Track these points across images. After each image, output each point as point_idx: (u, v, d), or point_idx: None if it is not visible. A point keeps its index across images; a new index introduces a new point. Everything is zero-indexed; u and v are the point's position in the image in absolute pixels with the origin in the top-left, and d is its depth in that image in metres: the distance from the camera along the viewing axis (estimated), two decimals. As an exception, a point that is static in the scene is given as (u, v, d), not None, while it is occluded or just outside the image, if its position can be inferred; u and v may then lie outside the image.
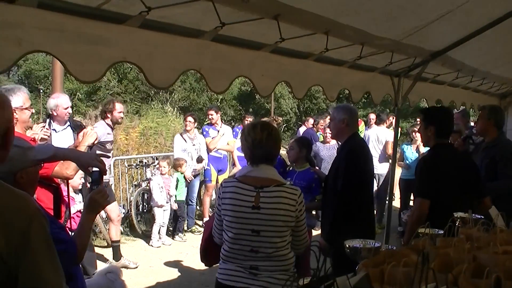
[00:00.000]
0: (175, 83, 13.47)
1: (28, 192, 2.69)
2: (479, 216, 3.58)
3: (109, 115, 7.71)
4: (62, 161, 4.16)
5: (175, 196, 9.85)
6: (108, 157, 7.24)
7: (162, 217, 9.56)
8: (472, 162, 5.04)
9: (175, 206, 9.76)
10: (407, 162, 9.91)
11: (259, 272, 3.35)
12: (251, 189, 3.38)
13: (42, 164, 3.11)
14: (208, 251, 3.88)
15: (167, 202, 9.59)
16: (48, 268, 2.00)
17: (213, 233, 3.67)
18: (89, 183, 3.54)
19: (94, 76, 3.05)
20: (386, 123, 11.75)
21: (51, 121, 6.64)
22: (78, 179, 6.55)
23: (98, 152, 5.43)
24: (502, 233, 3.02)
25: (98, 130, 7.28)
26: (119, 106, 7.79)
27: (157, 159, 10.51)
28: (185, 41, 3.56)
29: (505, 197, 5.31)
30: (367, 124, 12.72)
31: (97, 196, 3.13)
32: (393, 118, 11.94)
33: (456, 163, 4.54)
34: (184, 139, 10.28)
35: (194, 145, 10.36)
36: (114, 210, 8.01)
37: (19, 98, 4.73)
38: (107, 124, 7.78)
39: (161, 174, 9.63)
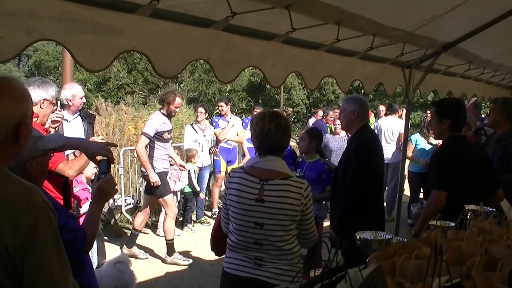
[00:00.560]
0: (184, 74, 13.59)
1: (37, 182, 2.75)
2: (491, 209, 3.56)
3: (165, 106, 7.68)
4: (67, 160, 4.18)
5: (184, 187, 9.87)
6: (116, 145, 7.26)
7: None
8: (485, 154, 5.01)
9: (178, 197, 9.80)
10: (417, 154, 9.74)
11: (264, 263, 3.34)
12: (255, 181, 3.35)
13: (52, 154, 3.11)
14: (217, 241, 3.88)
15: (175, 193, 9.60)
16: (55, 262, 2.00)
17: (221, 222, 3.67)
18: (97, 172, 3.54)
19: (101, 65, 3.03)
20: (398, 113, 11.66)
21: (62, 110, 6.64)
22: (91, 169, 6.56)
23: (105, 141, 5.42)
24: (514, 226, 2.99)
25: (153, 121, 7.55)
26: (179, 101, 7.77)
27: (178, 148, 10.46)
28: (196, 31, 3.53)
29: None
30: (377, 116, 12.65)
31: (106, 185, 3.11)
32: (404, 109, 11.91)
33: (471, 155, 4.51)
34: (195, 130, 10.28)
35: (205, 136, 10.37)
36: (171, 204, 7.99)
37: (52, 92, 4.84)
38: (162, 114, 7.76)
39: (170, 165, 9.62)
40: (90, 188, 6.31)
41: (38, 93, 4.69)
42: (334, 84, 6.13)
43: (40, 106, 4.70)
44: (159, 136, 7.57)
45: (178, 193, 9.81)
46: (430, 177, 4.51)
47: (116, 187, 3.22)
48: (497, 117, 5.76)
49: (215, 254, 4.13)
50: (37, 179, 2.84)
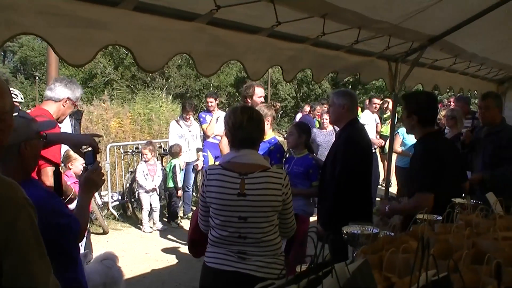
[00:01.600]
0: (172, 69, 13.56)
1: (30, 166, 2.82)
2: (478, 202, 3.55)
3: (249, 100, 7.44)
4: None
5: (167, 183, 9.91)
6: (101, 136, 7.18)
7: (148, 202, 9.60)
8: (457, 148, 5.01)
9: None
10: (406, 147, 9.76)
11: (247, 257, 3.33)
12: (235, 176, 3.34)
13: (46, 139, 3.09)
14: (196, 242, 3.85)
15: (153, 188, 9.60)
16: (35, 260, 1.95)
17: (198, 221, 3.63)
18: (84, 165, 3.53)
19: (84, 60, 3.00)
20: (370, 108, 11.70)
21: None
22: (79, 165, 6.57)
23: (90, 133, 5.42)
24: (501, 219, 2.99)
25: None
26: (259, 91, 7.18)
27: (150, 143, 10.43)
28: (180, 25, 3.51)
29: (508, 184, 5.29)
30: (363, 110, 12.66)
31: (93, 175, 3.10)
32: (380, 103, 11.95)
33: (450, 150, 4.46)
34: (180, 125, 10.25)
35: (190, 131, 10.36)
36: None
37: (78, 94, 4.88)
38: None
39: (144, 161, 9.63)
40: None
41: (64, 91, 4.72)
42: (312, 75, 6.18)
43: (63, 104, 4.73)
44: None
45: (157, 189, 9.82)
46: (414, 178, 4.41)
47: (104, 177, 3.20)
48: (495, 112, 5.71)
49: (193, 256, 4.07)
50: (30, 163, 2.84)
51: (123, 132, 13.91)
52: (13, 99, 5.18)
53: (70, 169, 6.72)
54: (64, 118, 4.98)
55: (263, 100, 7.39)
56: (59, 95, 4.68)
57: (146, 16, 3.25)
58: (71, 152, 6.81)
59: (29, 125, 2.84)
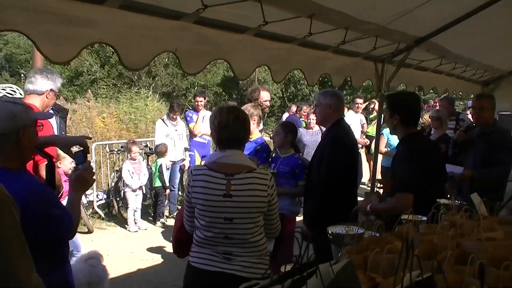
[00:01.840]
0: (159, 68, 13.57)
1: (27, 155, 2.87)
2: (462, 202, 3.57)
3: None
4: None
5: (153, 182, 9.90)
6: (90, 138, 7.15)
7: (135, 201, 9.61)
8: (439, 148, 5.05)
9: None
10: (391, 148, 9.80)
11: (233, 257, 3.33)
12: (221, 177, 3.33)
13: (42, 127, 3.11)
14: (181, 242, 3.83)
15: (140, 187, 9.59)
16: (17, 257, 1.94)
17: (184, 221, 3.62)
18: (74, 165, 3.50)
19: (67, 57, 2.98)
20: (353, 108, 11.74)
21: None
22: (68, 163, 6.59)
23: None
24: (485, 220, 3.00)
25: None
26: (265, 95, 7.13)
27: (134, 143, 10.39)
28: (166, 23, 3.49)
29: (496, 185, 5.34)
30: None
31: (85, 173, 3.13)
32: (362, 102, 11.99)
33: (433, 151, 4.48)
34: (166, 124, 10.23)
35: (176, 130, 10.34)
36: None
37: (59, 84, 4.85)
38: None
39: (132, 160, 9.61)
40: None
41: (46, 83, 4.68)
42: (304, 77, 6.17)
43: (46, 96, 4.70)
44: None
45: (143, 187, 9.81)
46: (395, 178, 4.40)
47: (94, 176, 3.22)
48: (490, 113, 5.75)
49: (178, 256, 4.06)
50: (27, 151, 2.87)
51: (108, 131, 13.85)
52: (12, 95, 5.20)
53: (59, 167, 6.70)
54: (48, 110, 4.94)
55: (268, 104, 7.33)
56: (41, 88, 4.63)
57: (132, 14, 3.23)
58: (59, 151, 6.80)
59: (28, 112, 2.85)
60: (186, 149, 10.64)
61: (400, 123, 4.36)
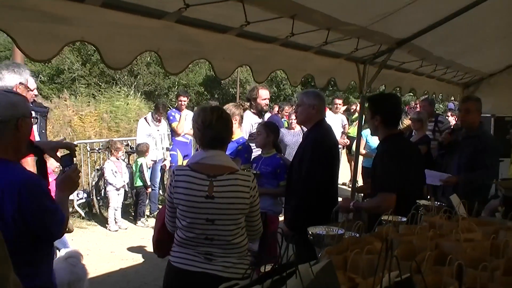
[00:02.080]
0: (141, 67, 13.53)
1: (23, 146, 2.90)
2: (442, 204, 3.60)
3: (253, 103, 7.26)
4: None
5: (134, 181, 9.88)
6: (75, 145, 7.13)
7: (116, 200, 9.57)
8: (419, 150, 5.10)
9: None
10: (371, 150, 9.87)
11: (214, 258, 3.33)
12: (204, 177, 3.32)
13: (37, 120, 3.11)
14: (162, 242, 3.79)
15: (123, 186, 9.56)
16: None
17: (165, 221, 3.60)
18: (61, 166, 3.47)
19: (47, 55, 2.96)
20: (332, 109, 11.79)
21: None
22: (54, 162, 6.50)
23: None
24: (464, 221, 3.03)
25: (243, 124, 6.75)
26: (264, 93, 7.23)
27: (118, 142, 10.36)
28: (148, 22, 3.47)
29: (480, 188, 5.39)
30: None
31: (74, 174, 3.13)
32: (342, 104, 12.04)
33: (413, 152, 4.52)
34: (148, 124, 10.21)
35: (158, 130, 10.31)
36: None
37: (26, 75, 4.73)
38: (252, 113, 7.32)
39: (116, 158, 9.58)
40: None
41: (14, 78, 4.58)
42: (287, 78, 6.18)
43: (16, 90, 4.58)
44: (250, 137, 6.74)
45: (126, 186, 9.77)
46: (377, 178, 4.44)
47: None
48: (475, 116, 5.79)
49: (159, 256, 4.03)
50: (23, 142, 2.90)
51: (85, 130, 13.76)
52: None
53: None
54: None
55: (268, 103, 7.28)
56: (10, 83, 4.53)
57: (114, 12, 3.20)
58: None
59: (26, 103, 2.93)
60: (167, 149, 10.62)
61: (381, 124, 4.40)
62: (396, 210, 3.24)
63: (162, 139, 10.52)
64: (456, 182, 5.65)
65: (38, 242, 2.81)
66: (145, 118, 10.48)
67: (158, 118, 10.31)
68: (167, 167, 10.53)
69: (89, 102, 16.69)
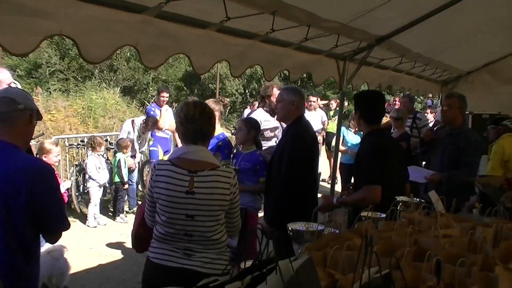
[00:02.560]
0: (120, 62, 13.42)
1: (29, 137, 3.10)
2: (421, 200, 3.63)
3: (267, 101, 7.11)
4: None
5: (113, 178, 9.84)
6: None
7: (98, 196, 9.52)
8: (402, 147, 5.14)
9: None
10: (348, 146, 9.93)
11: (193, 253, 3.32)
12: (184, 173, 3.30)
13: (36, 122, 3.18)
14: (141, 237, 3.77)
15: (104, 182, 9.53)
16: None
17: (145, 216, 3.58)
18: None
19: (26, 49, 2.92)
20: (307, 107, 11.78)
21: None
22: (54, 156, 6.75)
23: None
24: (442, 217, 3.06)
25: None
26: (277, 92, 6.81)
27: (101, 138, 10.30)
28: (127, 17, 3.44)
29: (462, 186, 5.44)
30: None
31: None
32: (316, 101, 12.04)
33: (395, 148, 4.58)
34: (133, 128, 10.23)
35: (140, 137, 10.33)
36: None
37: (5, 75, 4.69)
38: (264, 111, 7.13)
39: (98, 153, 9.53)
40: (58, 173, 6.42)
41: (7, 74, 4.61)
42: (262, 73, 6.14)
43: None
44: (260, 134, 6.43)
45: (106, 183, 9.72)
46: (360, 172, 4.51)
47: None
48: (456, 113, 5.84)
49: (137, 251, 4.00)
50: (30, 135, 3.09)
51: (58, 126, 13.65)
52: None
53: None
54: None
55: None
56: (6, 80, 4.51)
57: (93, 6, 3.18)
58: (46, 144, 6.85)
59: (30, 98, 3.06)
60: (140, 152, 10.69)
61: (362, 120, 4.54)
62: (382, 206, 3.26)
63: (140, 144, 10.49)
64: (440, 180, 5.71)
65: (40, 229, 2.89)
66: (132, 121, 10.44)
67: (144, 132, 10.27)
68: (134, 167, 10.47)
69: (67, 97, 16.56)
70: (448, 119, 6.02)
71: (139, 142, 10.44)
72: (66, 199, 6.65)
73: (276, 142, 6.75)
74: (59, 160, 6.98)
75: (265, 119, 6.98)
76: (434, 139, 6.29)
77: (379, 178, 4.20)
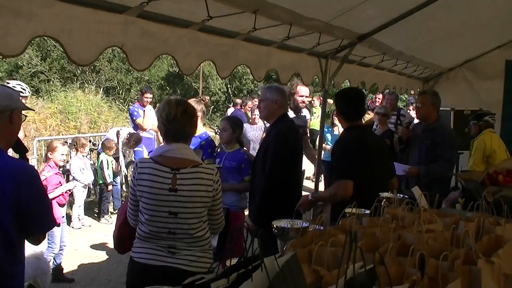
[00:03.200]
0: (102, 63, 13.35)
1: (12, 136, 3.00)
2: (404, 196, 3.66)
3: (290, 98, 7.01)
4: None
5: (98, 179, 9.81)
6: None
7: (83, 198, 9.47)
8: (384, 143, 5.18)
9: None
10: (328, 144, 9.96)
11: (177, 251, 3.32)
12: (167, 170, 3.31)
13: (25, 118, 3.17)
14: (124, 237, 3.76)
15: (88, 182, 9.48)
16: None
17: (128, 215, 3.57)
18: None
19: (13, 51, 2.90)
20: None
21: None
22: (59, 155, 6.80)
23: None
24: (425, 212, 3.08)
25: None
26: (302, 90, 6.89)
27: (84, 139, 10.24)
28: (110, 17, 3.42)
29: (441, 180, 5.51)
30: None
31: None
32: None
33: (370, 143, 4.57)
34: (117, 139, 10.18)
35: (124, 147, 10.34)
36: None
37: None
38: (290, 108, 6.80)
39: (82, 155, 9.48)
40: (61, 173, 6.87)
41: None
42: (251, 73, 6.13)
43: None
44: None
45: (91, 184, 9.68)
46: (334, 167, 4.57)
47: None
48: (429, 109, 5.96)
49: (120, 252, 3.98)
50: (13, 134, 3.01)
51: (37, 128, 13.56)
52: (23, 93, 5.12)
53: (50, 158, 6.85)
54: None
55: (304, 100, 7.08)
56: None
57: (76, 7, 3.16)
58: (54, 142, 7.12)
59: (18, 97, 3.07)
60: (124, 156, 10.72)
61: (341, 116, 4.62)
62: (358, 201, 3.26)
63: (125, 158, 10.51)
64: (417, 173, 5.80)
65: (26, 230, 2.86)
66: (118, 131, 10.39)
67: (126, 148, 10.27)
68: (119, 168, 10.45)
69: (48, 98, 16.45)
70: (422, 116, 6.22)
71: (124, 156, 10.44)
72: (66, 199, 6.80)
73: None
74: (64, 159, 6.98)
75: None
76: (411, 137, 6.39)
77: (350, 173, 4.23)
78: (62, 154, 6.92)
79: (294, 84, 6.98)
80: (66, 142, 7.93)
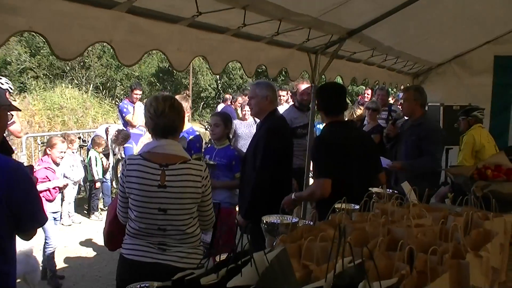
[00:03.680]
0: (92, 59, 13.35)
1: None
2: (394, 191, 3.68)
3: (293, 98, 6.98)
4: None
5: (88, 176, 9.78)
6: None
7: (73, 195, 9.43)
8: (370, 138, 5.19)
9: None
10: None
11: (168, 248, 3.32)
12: (156, 167, 3.30)
13: (12, 117, 3.22)
14: (114, 234, 3.74)
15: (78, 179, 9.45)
16: None
17: (117, 212, 3.56)
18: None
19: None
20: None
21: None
22: (57, 152, 6.88)
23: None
24: (414, 207, 3.10)
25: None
26: (301, 87, 7.08)
27: (73, 135, 10.21)
28: (98, 12, 3.39)
29: (427, 175, 5.54)
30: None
31: None
32: (285, 95, 12.00)
33: (352, 139, 4.52)
34: (106, 136, 10.15)
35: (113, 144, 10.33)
36: None
37: None
38: (295, 107, 7.23)
39: (71, 150, 9.45)
40: (54, 169, 6.86)
41: None
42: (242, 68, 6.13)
43: None
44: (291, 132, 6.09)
45: (81, 181, 9.65)
46: (314, 166, 4.59)
47: None
48: (412, 105, 6.00)
49: (110, 249, 3.97)
50: (0, 133, 2.98)
51: (27, 124, 13.51)
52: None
53: (49, 154, 6.92)
54: None
55: (306, 98, 7.12)
56: None
57: (62, 2, 3.13)
58: (53, 138, 7.20)
59: (5, 96, 3.03)
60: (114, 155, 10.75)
61: (322, 112, 4.60)
62: (340, 198, 3.25)
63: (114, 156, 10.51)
64: (400, 167, 5.85)
65: (18, 227, 2.84)
66: (107, 128, 10.35)
67: (114, 145, 10.26)
68: (109, 165, 10.44)
69: (37, 95, 16.37)
70: (407, 112, 6.28)
71: (114, 152, 10.43)
72: (54, 196, 6.72)
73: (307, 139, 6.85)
74: (63, 157, 6.99)
75: (295, 117, 7.03)
76: (399, 133, 6.42)
77: (326, 171, 4.23)
78: (61, 152, 6.98)
79: (295, 84, 7.02)
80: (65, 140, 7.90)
